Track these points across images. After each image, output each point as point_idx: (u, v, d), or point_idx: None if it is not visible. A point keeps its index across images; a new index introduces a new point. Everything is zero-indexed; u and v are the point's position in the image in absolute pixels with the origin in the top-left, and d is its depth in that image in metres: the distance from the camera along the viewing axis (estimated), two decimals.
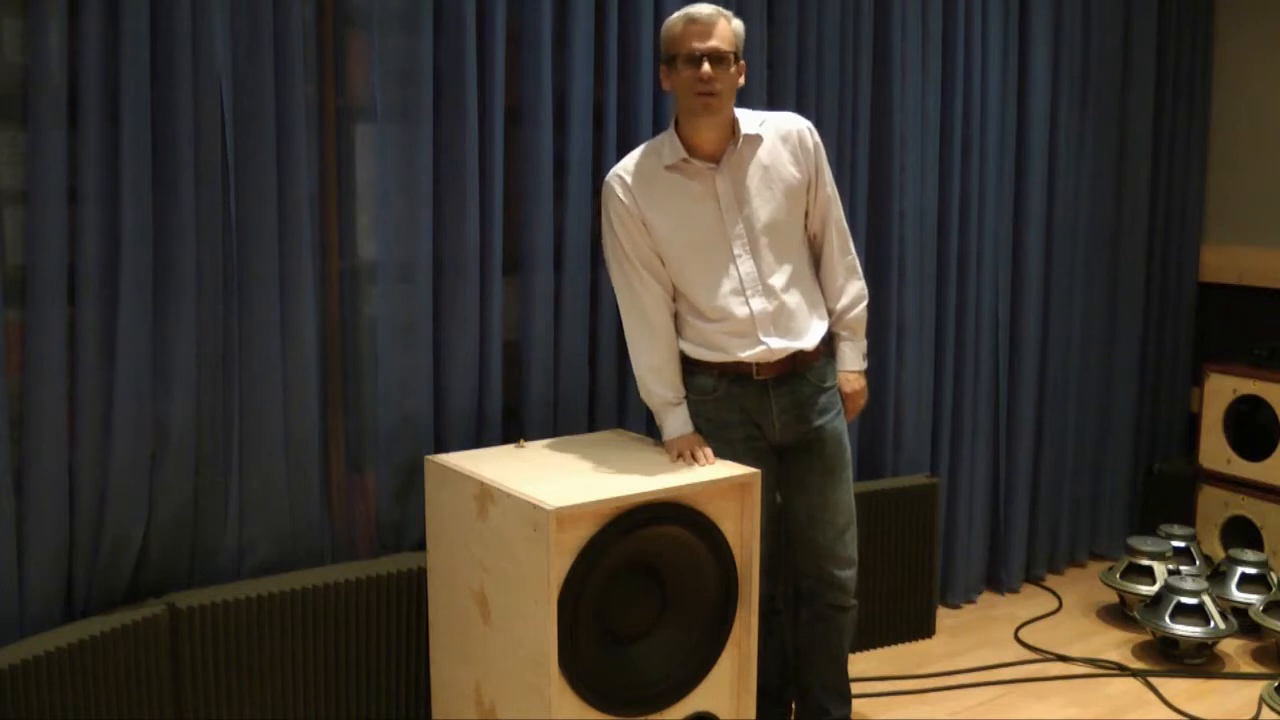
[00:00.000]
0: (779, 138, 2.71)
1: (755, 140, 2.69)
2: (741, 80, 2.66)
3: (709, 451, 2.66)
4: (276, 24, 2.62)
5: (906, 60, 3.67)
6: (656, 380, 2.73)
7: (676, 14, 2.62)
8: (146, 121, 2.48)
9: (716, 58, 2.56)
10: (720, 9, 2.62)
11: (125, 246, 2.47)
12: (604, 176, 3.04)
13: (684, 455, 2.65)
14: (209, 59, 2.54)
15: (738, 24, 2.64)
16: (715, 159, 2.67)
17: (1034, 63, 3.99)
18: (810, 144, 2.74)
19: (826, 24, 3.49)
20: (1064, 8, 4.06)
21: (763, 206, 2.68)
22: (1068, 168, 4.15)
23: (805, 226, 2.77)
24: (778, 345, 2.69)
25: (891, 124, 3.66)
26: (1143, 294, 4.45)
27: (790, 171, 2.70)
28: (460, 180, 2.89)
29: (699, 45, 2.56)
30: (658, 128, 3.13)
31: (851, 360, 2.85)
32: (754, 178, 2.68)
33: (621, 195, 2.69)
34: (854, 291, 2.83)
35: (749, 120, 2.71)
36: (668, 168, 2.67)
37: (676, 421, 2.73)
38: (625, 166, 2.72)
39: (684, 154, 2.65)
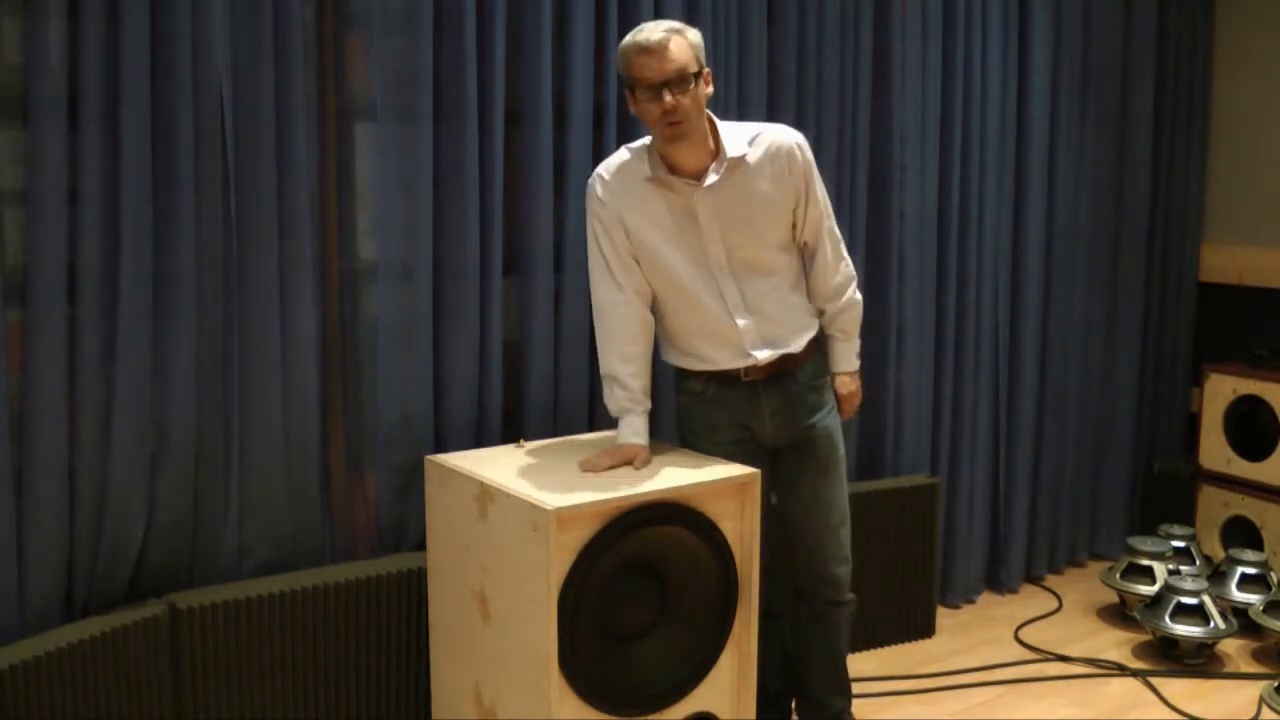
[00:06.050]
0: (767, 157, 2.61)
1: (739, 163, 2.59)
2: (709, 89, 2.56)
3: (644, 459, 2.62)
4: (276, 24, 2.63)
5: (906, 60, 3.67)
6: (607, 386, 2.69)
7: (628, 37, 2.52)
8: (146, 121, 2.48)
9: (676, 82, 2.46)
10: (671, 26, 2.50)
11: (125, 246, 2.47)
12: None
13: (599, 462, 2.59)
14: (209, 59, 2.54)
15: (693, 35, 2.52)
16: (697, 176, 2.58)
17: (1034, 63, 3.98)
18: (800, 161, 2.64)
19: (826, 24, 3.49)
20: (1064, 8, 4.05)
21: (746, 227, 2.61)
22: (1068, 168, 4.15)
23: (794, 238, 2.71)
24: (765, 355, 2.68)
25: (891, 125, 3.66)
26: (1143, 294, 4.45)
27: (776, 193, 2.63)
28: (460, 180, 2.89)
29: (654, 76, 2.45)
30: None
31: (845, 361, 2.83)
32: (736, 200, 2.60)
33: (601, 195, 2.63)
34: (848, 296, 2.79)
35: (736, 138, 2.60)
36: (648, 180, 2.60)
37: (626, 429, 2.66)
38: (608, 167, 2.65)
39: (664, 171, 2.58)
